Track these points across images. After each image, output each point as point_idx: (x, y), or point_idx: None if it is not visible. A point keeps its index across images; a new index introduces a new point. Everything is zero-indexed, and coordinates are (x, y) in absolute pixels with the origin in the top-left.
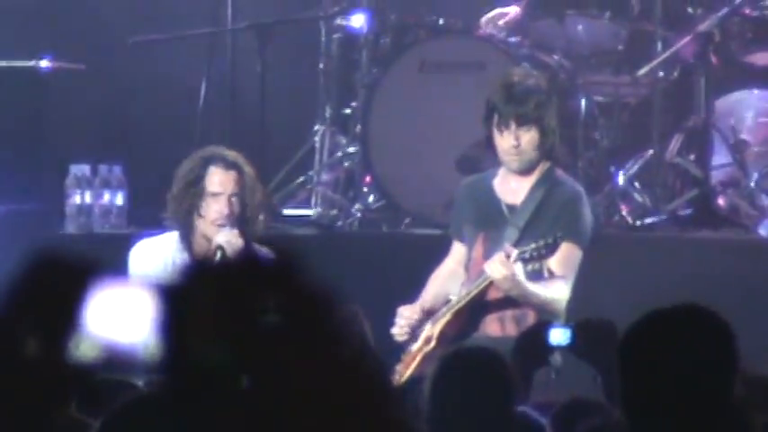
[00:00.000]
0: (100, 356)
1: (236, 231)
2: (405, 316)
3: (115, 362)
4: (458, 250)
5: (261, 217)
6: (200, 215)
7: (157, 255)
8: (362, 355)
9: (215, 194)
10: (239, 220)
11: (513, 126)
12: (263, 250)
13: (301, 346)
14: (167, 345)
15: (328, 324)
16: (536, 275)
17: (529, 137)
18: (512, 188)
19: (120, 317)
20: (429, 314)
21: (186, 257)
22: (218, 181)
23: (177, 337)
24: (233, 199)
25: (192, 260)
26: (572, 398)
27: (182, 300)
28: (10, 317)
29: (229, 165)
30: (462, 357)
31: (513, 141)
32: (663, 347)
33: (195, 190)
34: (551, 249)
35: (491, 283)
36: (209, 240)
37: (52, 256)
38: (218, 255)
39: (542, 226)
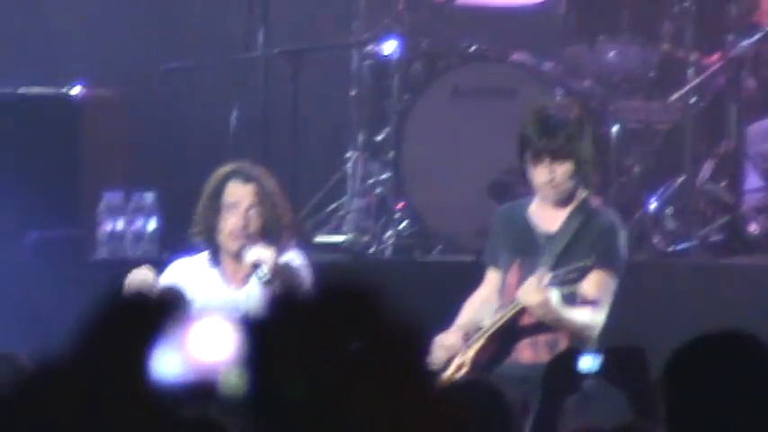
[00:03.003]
0: (180, 392)
1: (262, 246)
2: (445, 345)
3: (198, 396)
4: (493, 277)
5: (286, 230)
6: (219, 230)
7: (186, 272)
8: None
9: (231, 206)
10: (261, 234)
11: (547, 160)
12: (297, 259)
13: (386, 378)
14: (252, 379)
15: (412, 356)
16: (570, 300)
17: (563, 169)
18: (548, 216)
19: (204, 350)
20: (466, 338)
21: (216, 274)
22: (235, 193)
23: (262, 372)
24: (251, 212)
25: (276, 293)
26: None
27: (266, 333)
28: (87, 352)
29: (247, 178)
30: (459, 391)
31: (547, 176)
32: (710, 372)
33: (215, 204)
34: (583, 273)
35: (524, 308)
36: (232, 255)
37: (130, 295)
38: (259, 272)
39: (578, 255)
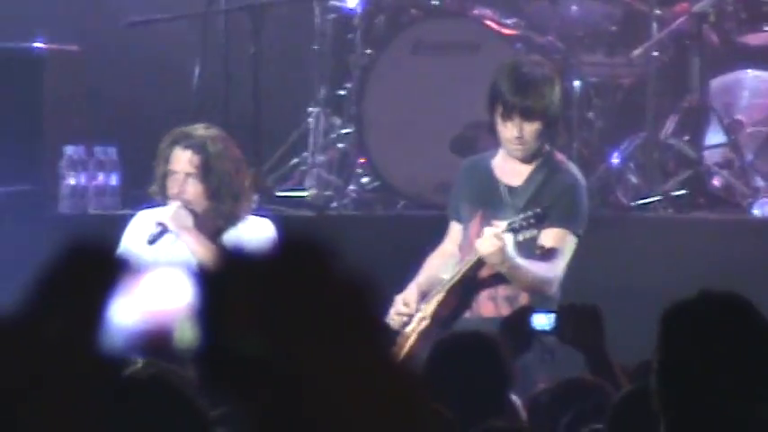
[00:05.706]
0: (133, 345)
1: (177, 205)
2: (402, 310)
3: (149, 350)
4: (455, 231)
5: (231, 196)
6: (166, 194)
7: (149, 224)
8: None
9: (172, 173)
10: (207, 198)
11: (517, 118)
12: (254, 226)
13: (340, 334)
14: (204, 333)
15: (366, 312)
16: (527, 249)
17: (532, 128)
18: (512, 169)
19: (156, 304)
20: (424, 295)
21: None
22: (176, 160)
23: (214, 325)
24: (188, 180)
25: (229, 247)
26: (558, 383)
27: (219, 286)
28: (38, 307)
29: (189, 145)
30: (455, 342)
31: (516, 133)
32: (706, 333)
33: (164, 168)
34: (539, 219)
35: (482, 260)
36: None
37: (83, 241)
38: (156, 230)
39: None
